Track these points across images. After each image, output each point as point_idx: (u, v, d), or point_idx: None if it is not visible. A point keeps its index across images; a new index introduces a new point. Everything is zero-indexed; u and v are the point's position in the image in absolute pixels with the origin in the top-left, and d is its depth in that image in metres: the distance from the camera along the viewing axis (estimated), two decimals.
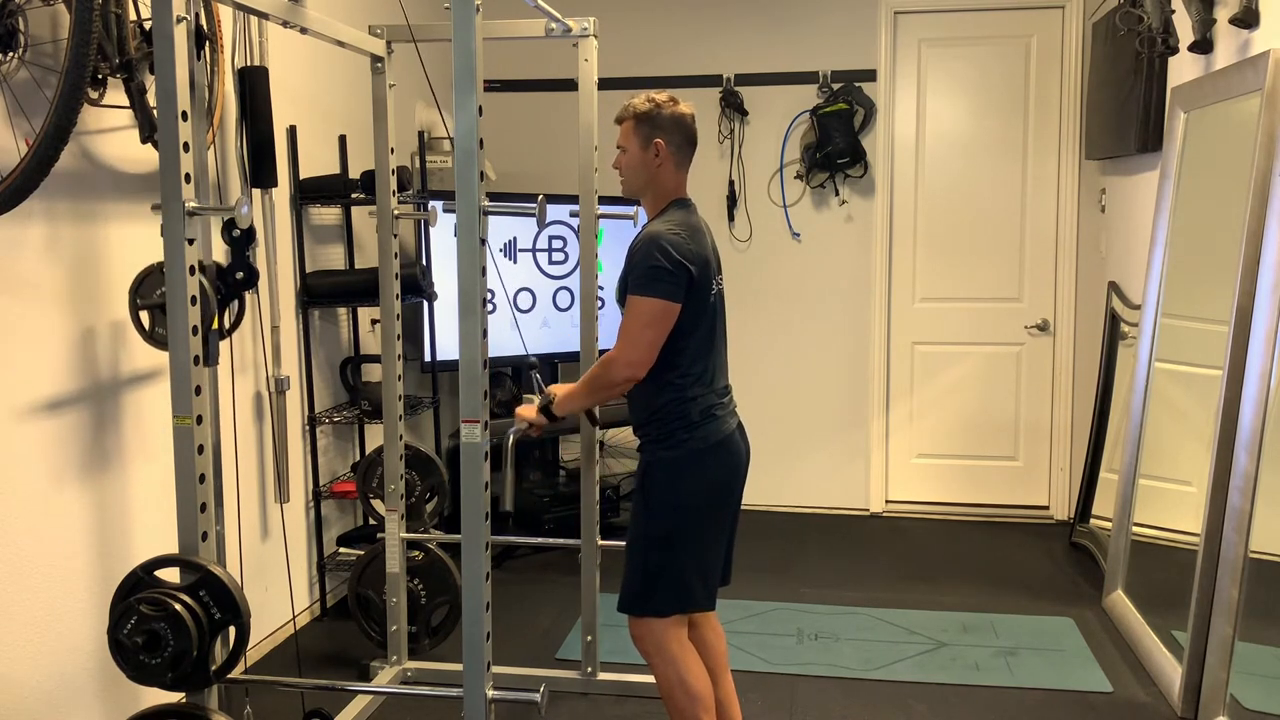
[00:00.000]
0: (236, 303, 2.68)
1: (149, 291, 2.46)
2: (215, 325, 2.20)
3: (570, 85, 3.14)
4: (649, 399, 2.41)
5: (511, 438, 2.54)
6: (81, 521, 2.59)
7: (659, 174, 2.44)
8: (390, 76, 2.99)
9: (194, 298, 1.91)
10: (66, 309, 2.52)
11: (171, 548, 1.99)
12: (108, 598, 2.03)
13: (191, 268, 1.91)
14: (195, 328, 1.92)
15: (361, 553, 3.42)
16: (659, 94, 2.46)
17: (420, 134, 4.32)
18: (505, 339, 4.39)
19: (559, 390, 2.52)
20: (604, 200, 3.12)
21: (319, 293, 3.66)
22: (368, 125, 3.04)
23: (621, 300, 2.39)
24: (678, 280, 2.30)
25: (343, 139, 3.86)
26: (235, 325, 2.76)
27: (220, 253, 2.61)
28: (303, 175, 3.61)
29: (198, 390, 1.92)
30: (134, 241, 2.74)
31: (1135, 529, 3.66)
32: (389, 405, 3.10)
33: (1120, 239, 4.33)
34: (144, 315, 2.47)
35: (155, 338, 2.49)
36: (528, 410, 2.53)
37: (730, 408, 2.49)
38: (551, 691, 2.11)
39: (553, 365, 4.78)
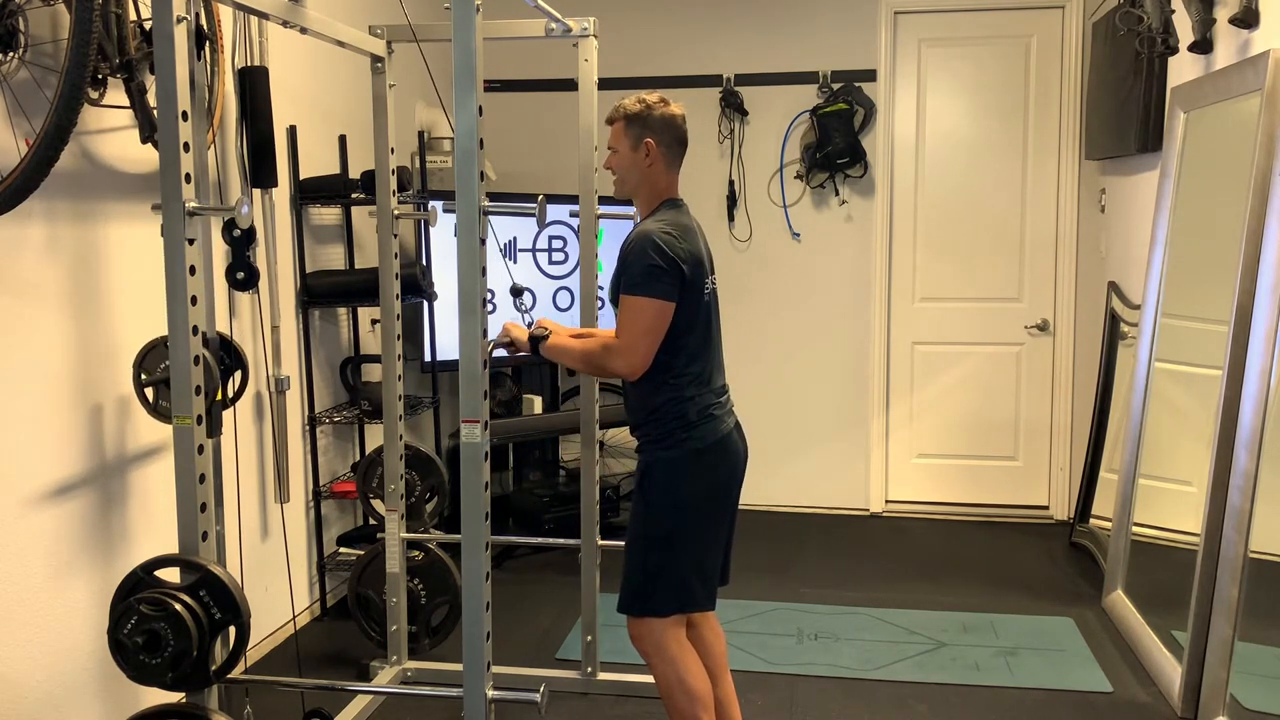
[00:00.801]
0: (239, 373, 2.70)
1: (153, 366, 2.48)
2: (219, 396, 2.20)
3: (570, 85, 3.14)
4: (646, 399, 2.41)
5: (490, 348, 2.50)
6: (82, 519, 2.59)
7: (650, 174, 2.44)
8: (390, 76, 2.99)
9: (194, 298, 1.91)
10: (66, 310, 2.52)
11: (171, 547, 1.99)
12: (108, 598, 2.03)
13: (192, 268, 1.91)
14: (195, 327, 1.92)
15: (361, 553, 3.42)
16: (649, 94, 2.46)
17: (420, 134, 4.33)
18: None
19: (551, 327, 2.50)
20: (604, 200, 3.12)
21: (319, 293, 3.66)
22: (368, 125, 3.04)
23: (614, 299, 2.39)
24: (672, 279, 2.30)
25: (343, 139, 3.86)
26: (238, 394, 2.77)
27: (220, 253, 2.62)
28: (303, 175, 3.61)
29: (198, 390, 1.92)
30: (134, 241, 2.74)
31: (1135, 529, 3.66)
32: (389, 405, 3.10)
33: (1120, 239, 4.33)
34: (149, 391, 2.49)
35: (160, 411, 2.50)
36: (518, 330, 2.52)
37: (728, 407, 2.49)
38: (551, 691, 2.11)
39: (553, 365, 4.78)
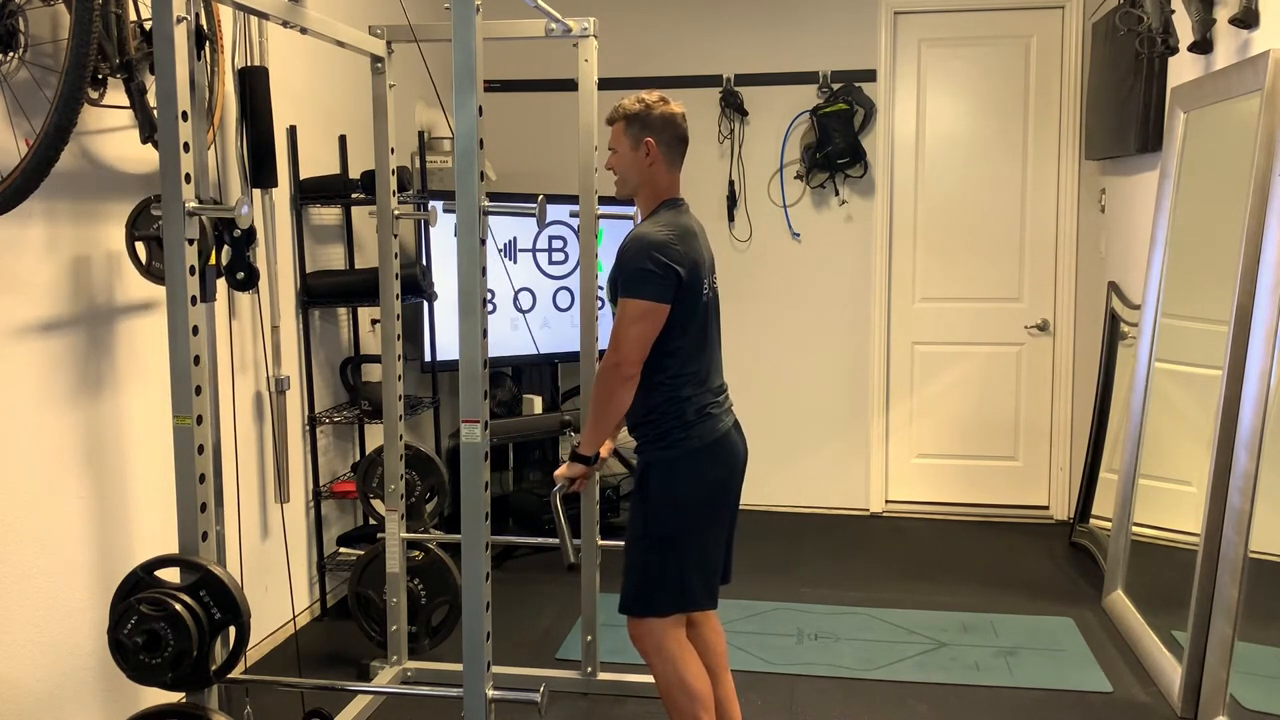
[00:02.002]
0: (241, 273, 2.64)
1: (145, 223, 2.44)
2: (212, 262, 2.19)
3: (570, 85, 3.14)
4: (644, 399, 2.41)
5: (557, 496, 2.54)
6: (82, 521, 2.59)
7: (651, 174, 2.45)
8: (390, 76, 2.99)
9: (194, 298, 1.91)
10: (66, 310, 2.52)
11: (171, 547, 1.99)
12: (108, 598, 2.03)
13: (192, 268, 1.91)
14: (195, 327, 1.92)
15: (361, 553, 3.42)
16: (649, 94, 2.46)
17: (420, 134, 4.32)
18: (505, 339, 4.39)
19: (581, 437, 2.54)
20: (604, 200, 3.12)
21: (319, 293, 3.66)
22: (368, 125, 3.04)
23: (613, 299, 2.40)
24: (665, 282, 2.30)
25: (343, 139, 3.86)
26: (230, 267, 2.71)
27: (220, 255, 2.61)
28: (303, 175, 3.61)
29: (198, 390, 1.92)
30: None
31: (1135, 529, 3.66)
32: (389, 405, 3.10)
33: (1120, 239, 4.33)
34: (140, 247, 2.45)
35: (151, 271, 2.47)
36: (563, 468, 2.56)
37: (726, 406, 2.49)
38: (551, 691, 2.11)
39: (553, 365, 4.78)
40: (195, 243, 1.92)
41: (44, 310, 2.45)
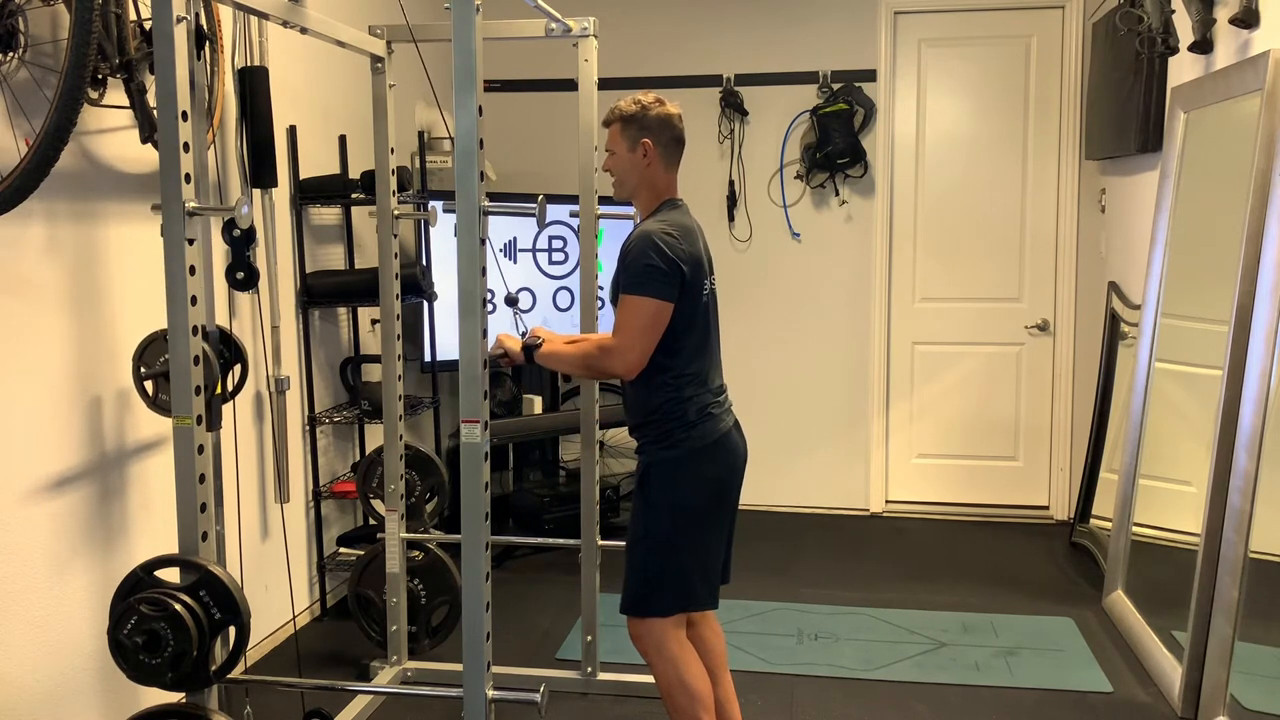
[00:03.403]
0: (239, 366, 2.69)
1: (152, 359, 2.47)
2: (219, 390, 2.20)
3: (570, 85, 3.14)
4: (645, 400, 2.41)
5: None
6: (82, 520, 2.59)
7: (649, 174, 2.45)
8: (390, 76, 2.99)
9: (194, 298, 1.91)
10: (66, 310, 2.52)
11: (171, 547, 1.99)
12: (108, 598, 2.03)
13: (192, 268, 1.91)
14: (195, 328, 1.92)
15: (361, 553, 3.42)
16: (645, 95, 2.46)
17: (420, 134, 4.32)
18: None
19: (545, 335, 2.50)
20: (604, 200, 3.12)
21: (319, 293, 3.66)
22: (368, 125, 3.04)
23: (614, 299, 2.40)
24: (671, 280, 2.30)
25: (343, 139, 3.86)
26: (238, 388, 2.76)
27: (220, 253, 2.62)
28: (303, 175, 3.61)
29: (198, 390, 1.92)
30: (134, 241, 2.74)
31: (1135, 529, 3.66)
32: (389, 405, 3.10)
33: (1120, 239, 4.33)
34: (148, 384, 2.48)
35: (159, 405, 2.50)
36: (511, 340, 2.52)
37: (726, 406, 2.49)
38: (551, 691, 2.11)
39: None
40: (195, 242, 1.92)
41: (44, 309, 2.45)
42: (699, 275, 2.38)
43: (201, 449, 1.95)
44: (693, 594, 2.44)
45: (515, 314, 2.74)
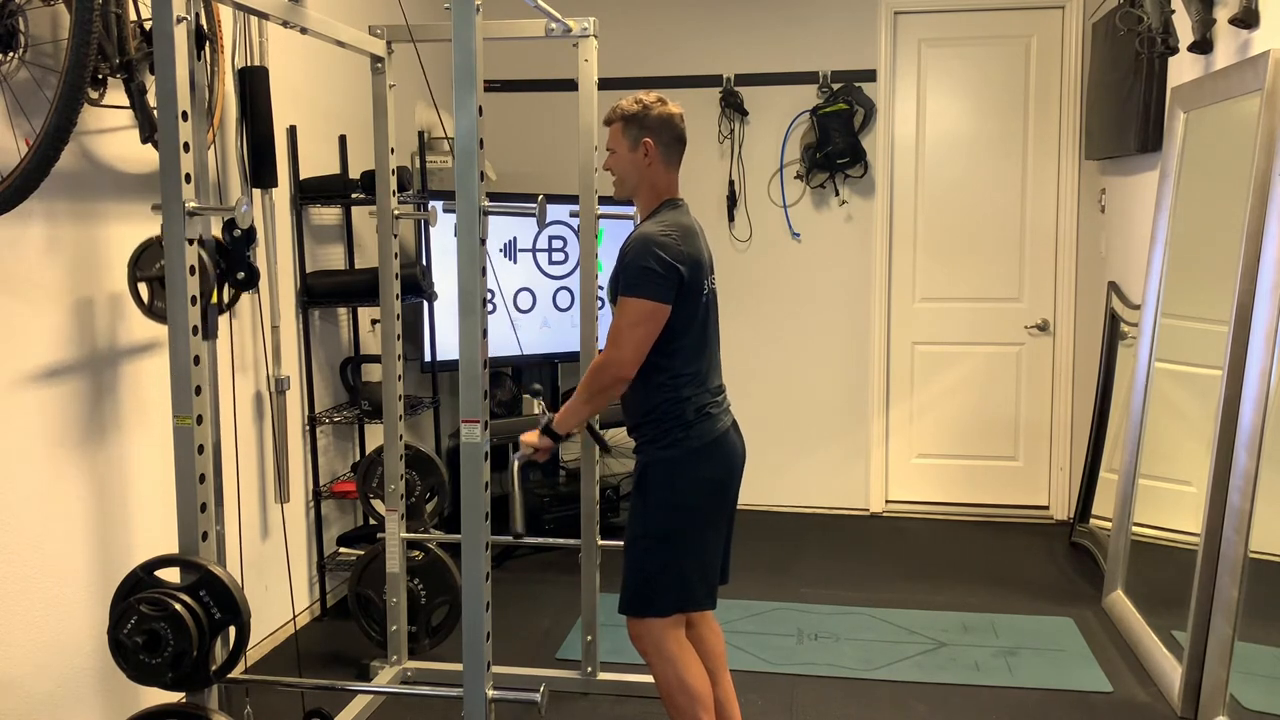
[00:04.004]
0: (241, 273, 2.64)
1: (148, 264, 2.45)
2: (214, 300, 2.19)
3: (570, 85, 3.14)
4: (643, 400, 2.41)
5: (516, 464, 2.53)
6: (82, 521, 2.59)
7: (649, 174, 2.45)
8: (390, 76, 2.99)
9: (194, 298, 1.91)
10: (66, 309, 2.52)
11: (172, 547, 1.99)
12: (108, 598, 2.03)
13: (192, 268, 1.91)
14: (195, 328, 1.92)
15: (361, 553, 3.42)
16: (646, 95, 2.46)
17: (420, 134, 4.33)
18: (505, 339, 4.39)
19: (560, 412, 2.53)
20: (604, 200, 3.12)
21: (319, 293, 3.66)
22: (368, 125, 3.04)
23: (614, 299, 2.40)
24: (668, 281, 2.30)
25: (343, 139, 3.86)
26: (235, 300, 2.72)
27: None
28: (303, 175, 3.61)
29: (198, 390, 1.92)
30: (134, 241, 2.72)
31: (1135, 529, 3.66)
32: (389, 405, 3.10)
33: (1120, 239, 4.33)
34: (143, 288, 2.45)
35: (154, 311, 2.47)
36: (530, 436, 2.53)
37: (724, 406, 2.49)
38: (551, 691, 2.11)
39: (553, 365, 4.78)
40: (194, 242, 1.92)
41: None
42: (698, 276, 2.38)
43: (201, 449, 1.95)
44: (691, 594, 2.44)
45: (538, 404, 2.75)
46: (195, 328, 1.92)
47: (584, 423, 2.51)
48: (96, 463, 2.64)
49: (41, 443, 2.46)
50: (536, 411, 4.59)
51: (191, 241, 1.91)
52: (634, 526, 2.45)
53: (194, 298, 1.91)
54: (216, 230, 2.57)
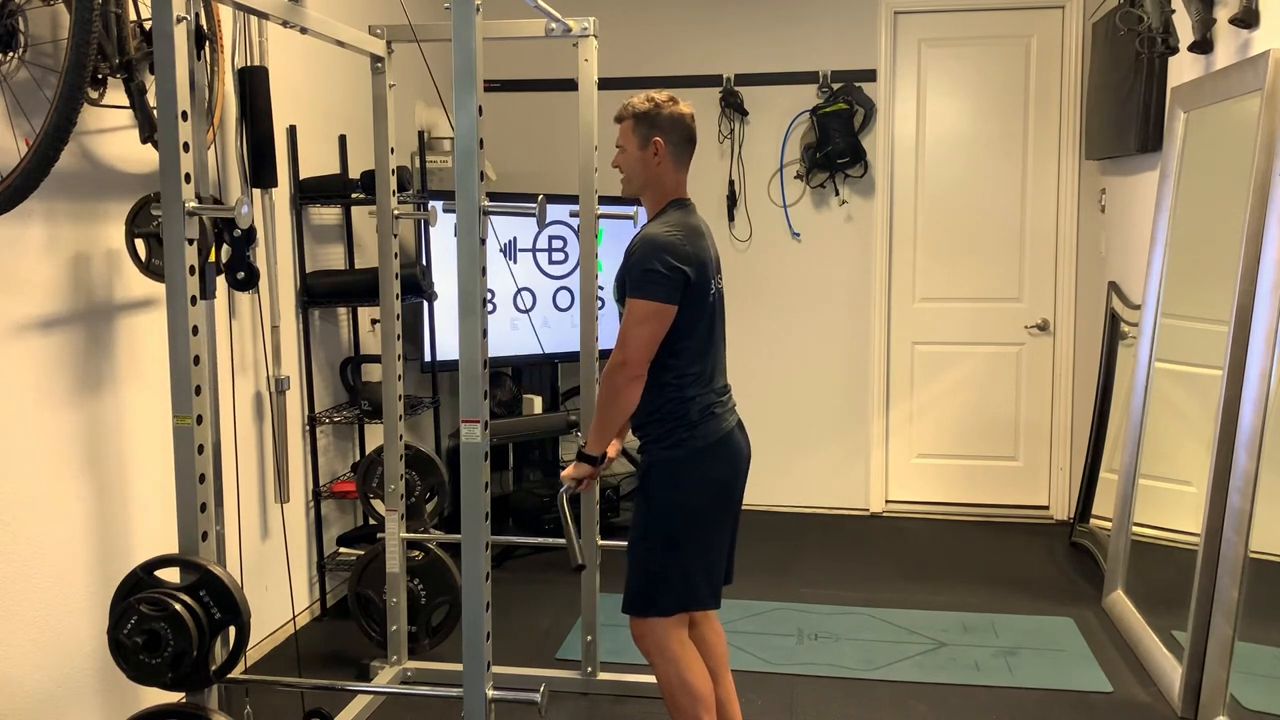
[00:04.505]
0: (241, 273, 2.64)
1: (145, 220, 2.44)
2: (211, 259, 2.19)
3: (570, 85, 3.14)
4: (648, 399, 2.41)
5: (564, 497, 2.53)
6: (81, 521, 2.59)
7: (658, 173, 2.45)
8: (390, 76, 2.99)
9: (194, 298, 1.91)
10: (66, 310, 2.52)
11: (171, 547, 1.99)
12: (108, 598, 2.03)
13: (192, 268, 1.91)
14: (195, 327, 1.92)
15: (361, 553, 3.42)
16: (659, 93, 2.46)
17: (420, 134, 4.33)
18: (505, 339, 4.39)
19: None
20: (604, 200, 3.12)
21: (319, 293, 3.66)
22: (368, 125, 3.04)
23: (620, 299, 2.40)
24: (673, 283, 2.30)
25: (343, 139, 3.86)
26: (231, 263, 2.70)
27: (220, 253, 2.61)
28: (303, 175, 3.61)
29: (198, 390, 1.92)
30: None
31: (1135, 529, 3.66)
32: (389, 405, 3.10)
33: (1120, 239, 4.33)
34: (140, 244, 2.45)
35: (151, 269, 2.46)
36: (569, 470, 2.53)
37: (729, 406, 2.49)
38: (551, 691, 2.11)
39: (553, 365, 4.78)
40: (195, 242, 1.92)
41: (44, 308, 2.45)
42: (704, 276, 2.38)
43: (201, 449, 1.95)
44: (695, 593, 2.44)
45: (574, 434, 2.75)
46: (195, 327, 1.92)
47: (613, 436, 2.50)
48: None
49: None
50: (538, 412, 4.60)
51: (192, 241, 1.91)
52: (638, 526, 2.45)
53: (193, 298, 1.91)
54: (221, 315, 2.53)
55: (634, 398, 2.37)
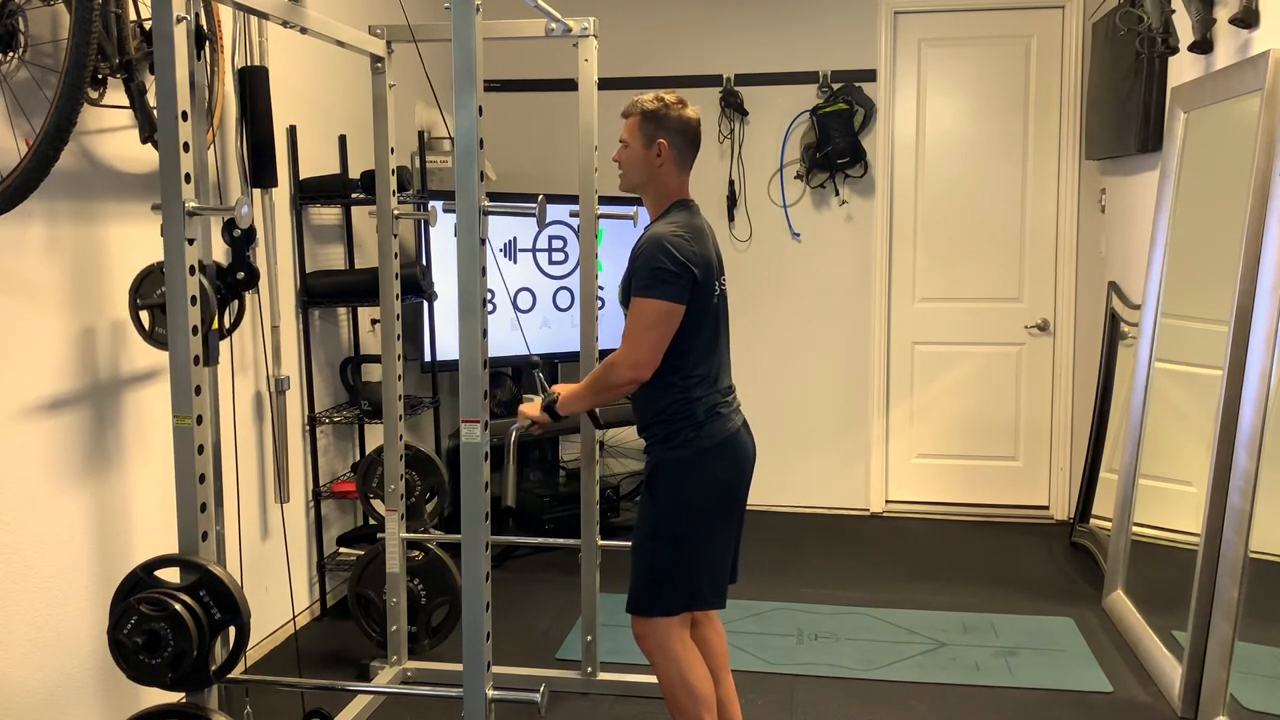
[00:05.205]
0: (236, 302, 2.67)
1: (149, 291, 2.46)
2: (215, 325, 2.20)
3: (570, 85, 3.14)
4: (654, 400, 2.41)
5: (514, 435, 2.54)
6: (82, 522, 2.59)
7: (659, 174, 2.45)
8: (390, 76, 2.99)
9: (194, 298, 1.91)
10: (66, 310, 2.52)
11: (171, 548, 1.99)
12: (108, 598, 2.03)
13: (192, 268, 1.91)
14: (195, 328, 1.92)
15: (361, 553, 3.42)
16: (669, 94, 2.46)
17: (420, 134, 4.33)
18: (505, 339, 4.39)
19: (563, 390, 2.52)
20: (604, 200, 3.12)
21: (319, 293, 3.66)
22: (368, 125, 3.04)
23: (624, 301, 2.39)
24: (681, 282, 2.30)
25: (343, 139, 3.86)
26: (235, 325, 2.76)
27: (220, 253, 2.61)
28: (303, 175, 3.61)
29: (198, 390, 1.92)
30: (134, 241, 2.74)
31: (1135, 529, 3.66)
32: (389, 405, 3.10)
33: (1120, 239, 4.33)
34: (144, 315, 2.47)
35: (155, 338, 2.49)
36: (531, 408, 2.53)
37: (735, 406, 2.49)
38: (551, 691, 2.11)
39: (553, 365, 4.78)
40: (195, 242, 1.92)
41: (43, 310, 2.45)
42: (709, 277, 2.38)
43: (201, 449, 1.95)
44: (699, 593, 2.44)
45: (537, 377, 2.75)
46: (195, 327, 1.92)
47: (584, 411, 2.51)
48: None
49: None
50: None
51: (192, 241, 1.91)
52: (643, 526, 2.45)
53: (193, 297, 1.91)
54: (217, 239, 2.57)
55: (627, 393, 2.39)
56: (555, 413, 2.50)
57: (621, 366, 2.33)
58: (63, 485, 2.53)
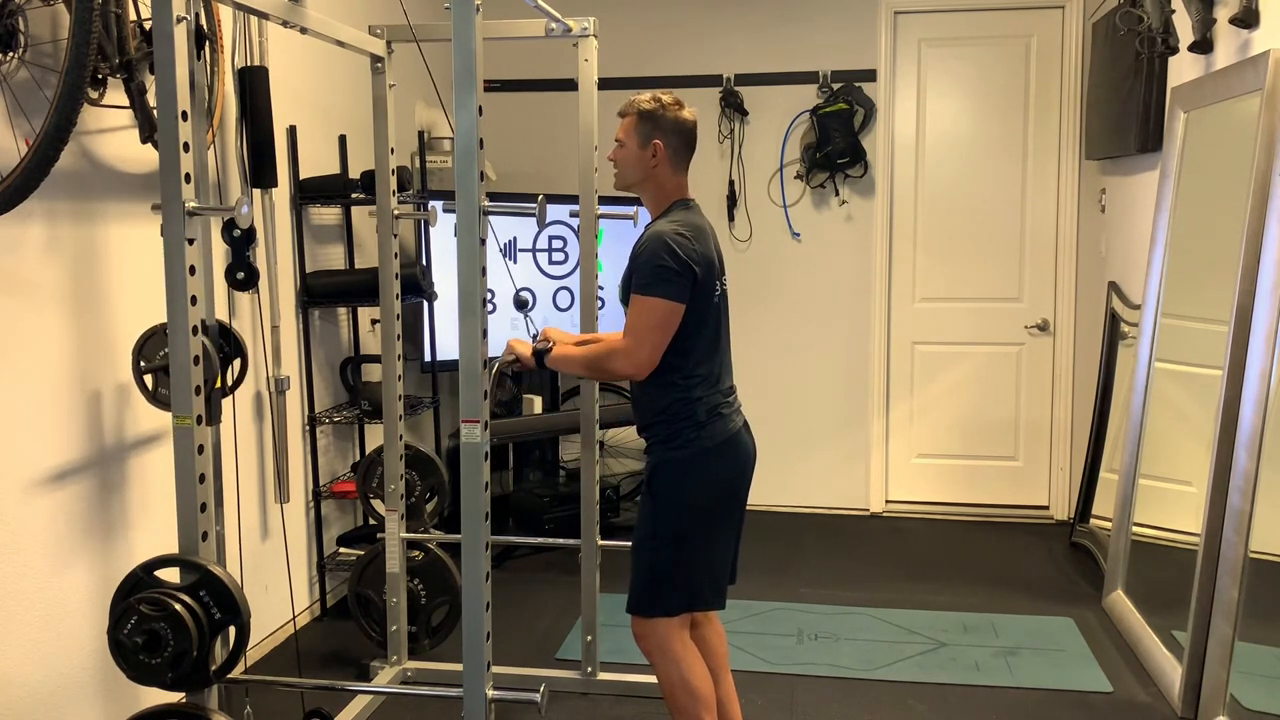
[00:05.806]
0: (239, 361, 2.69)
1: (152, 354, 2.47)
2: (218, 384, 2.20)
3: (570, 85, 3.14)
4: (654, 400, 2.41)
5: (499, 371, 2.51)
6: (82, 521, 2.59)
7: (654, 174, 2.45)
8: (390, 76, 2.99)
9: (194, 298, 1.91)
10: (66, 310, 2.52)
11: (171, 548, 1.99)
12: (108, 598, 2.03)
13: (192, 268, 1.91)
14: (195, 328, 1.92)
15: (361, 553, 3.42)
16: (665, 94, 2.46)
17: (420, 134, 4.33)
18: (505, 339, 4.38)
19: (555, 336, 2.51)
20: (604, 200, 3.12)
21: (319, 293, 3.66)
22: (368, 125, 3.04)
23: (625, 298, 2.39)
24: (683, 281, 2.30)
25: (343, 139, 3.86)
26: (238, 383, 2.76)
27: (220, 253, 2.62)
28: (303, 175, 3.61)
29: (198, 390, 1.92)
30: (134, 241, 2.74)
31: (1135, 529, 3.66)
32: (389, 405, 3.10)
33: (1120, 239, 4.33)
34: (148, 378, 2.49)
35: (159, 399, 2.50)
36: (522, 346, 2.52)
37: (735, 406, 2.49)
38: (551, 691, 2.11)
39: None
40: (195, 242, 1.92)
41: (44, 310, 2.45)
42: (710, 276, 2.38)
43: (201, 449, 1.95)
44: (700, 593, 2.44)
45: (526, 318, 2.75)
46: (195, 327, 1.92)
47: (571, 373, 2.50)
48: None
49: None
50: (538, 412, 4.60)
51: (191, 241, 1.91)
52: (644, 526, 2.45)
53: (193, 298, 1.91)
54: (217, 239, 2.58)
55: (616, 381, 2.39)
56: (543, 362, 2.48)
57: (622, 360, 2.32)
58: (63, 484, 2.52)
